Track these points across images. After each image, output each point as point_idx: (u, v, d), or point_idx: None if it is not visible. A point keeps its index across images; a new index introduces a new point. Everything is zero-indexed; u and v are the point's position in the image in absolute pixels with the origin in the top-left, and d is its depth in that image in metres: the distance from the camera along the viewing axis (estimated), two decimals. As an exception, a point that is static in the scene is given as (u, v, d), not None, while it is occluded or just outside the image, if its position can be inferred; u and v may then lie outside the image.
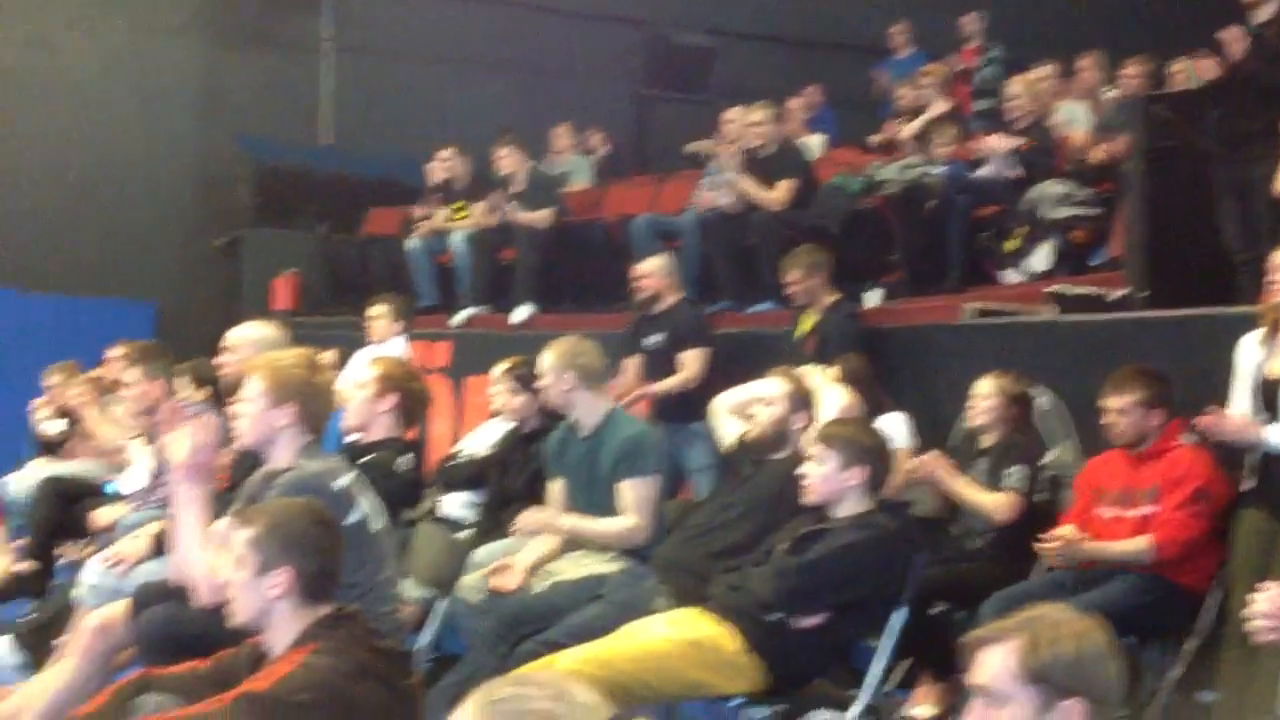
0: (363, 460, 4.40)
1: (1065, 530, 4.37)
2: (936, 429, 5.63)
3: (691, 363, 6.63)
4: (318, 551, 2.87)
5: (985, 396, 5.18)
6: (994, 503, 4.94)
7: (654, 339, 6.83)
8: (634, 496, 4.54)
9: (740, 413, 4.65)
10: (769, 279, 7.07)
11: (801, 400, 4.43)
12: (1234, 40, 6.94)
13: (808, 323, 6.47)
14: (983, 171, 7.24)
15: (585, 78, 12.43)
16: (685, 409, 6.28)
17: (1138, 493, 4.43)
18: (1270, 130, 5.33)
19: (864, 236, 7.39)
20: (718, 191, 7.97)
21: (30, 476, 7.10)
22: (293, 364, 3.91)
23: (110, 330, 8.53)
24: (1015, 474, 4.94)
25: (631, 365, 6.81)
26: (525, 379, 5.33)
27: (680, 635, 3.62)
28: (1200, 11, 7.97)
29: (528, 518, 4.61)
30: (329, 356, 5.82)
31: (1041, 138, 7.17)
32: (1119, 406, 4.46)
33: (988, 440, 5.19)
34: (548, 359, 4.73)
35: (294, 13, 12.45)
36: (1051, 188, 6.72)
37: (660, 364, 6.72)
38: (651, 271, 6.90)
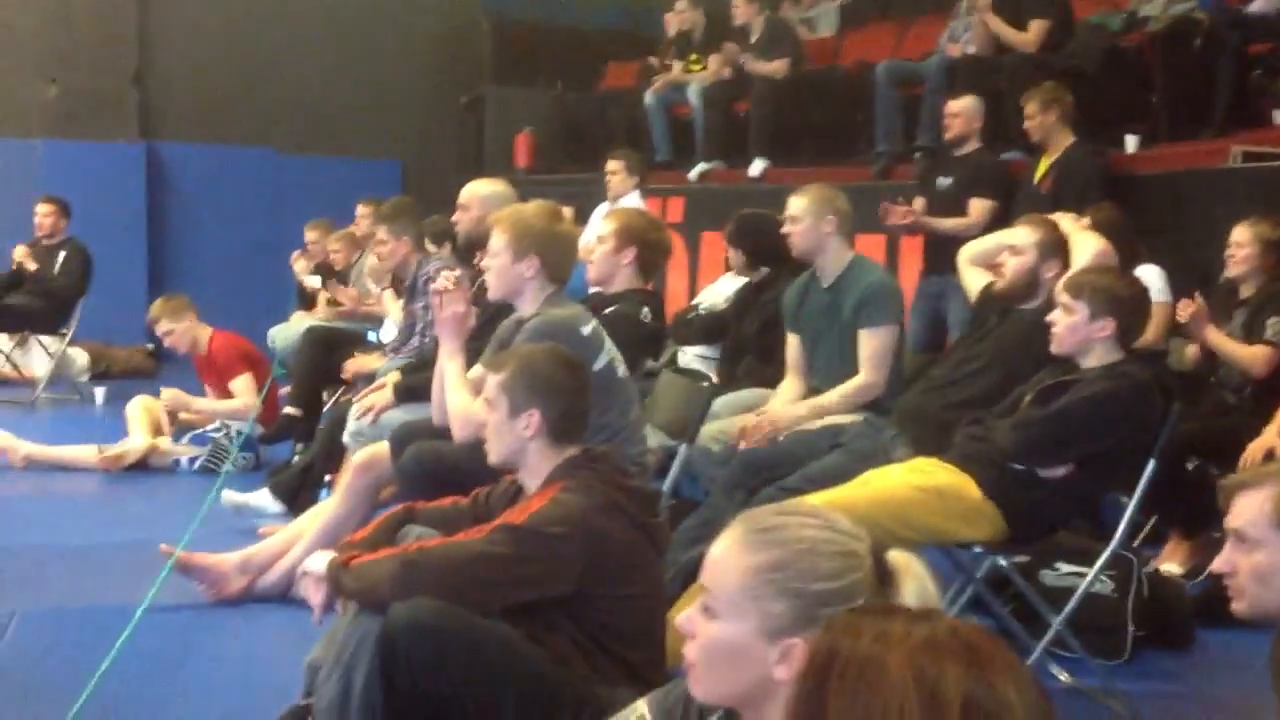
0: (606, 311, 4.49)
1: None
2: (1198, 281, 5.37)
3: (976, 210, 6.47)
4: (564, 394, 2.95)
5: (1242, 244, 4.94)
6: (1251, 355, 4.73)
7: (946, 181, 6.69)
8: (872, 346, 4.50)
9: (987, 262, 4.52)
10: (1018, 125, 6.82)
11: (1052, 248, 4.27)
12: None
13: (1045, 163, 6.28)
14: (1255, 6, 6.75)
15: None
16: (953, 259, 6.15)
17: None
18: None
19: (1123, 78, 7.00)
20: (963, 41, 7.70)
21: (294, 327, 7.52)
22: (533, 216, 3.99)
23: (361, 189, 8.90)
24: (1275, 325, 4.71)
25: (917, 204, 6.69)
26: (733, 233, 5.29)
27: (921, 482, 3.59)
28: None
29: (756, 428, 4.55)
30: (566, 212, 5.92)
31: (1322, -34, 6.63)
32: None
33: (1246, 290, 4.95)
34: (804, 203, 4.65)
35: None
36: (1331, 21, 6.24)
37: (947, 208, 6.59)
38: (962, 111, 6.72)
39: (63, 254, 8.60)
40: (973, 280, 4.60)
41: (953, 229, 6.42)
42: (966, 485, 3.59)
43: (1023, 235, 4.31)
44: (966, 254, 4.70)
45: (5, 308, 8.57)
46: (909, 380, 4.65)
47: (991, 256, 4.50)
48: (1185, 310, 4.85)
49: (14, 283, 8.70)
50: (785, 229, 4.74)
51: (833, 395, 4.54)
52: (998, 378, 4.15)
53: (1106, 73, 6.99)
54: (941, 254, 6.39)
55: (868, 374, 4.50)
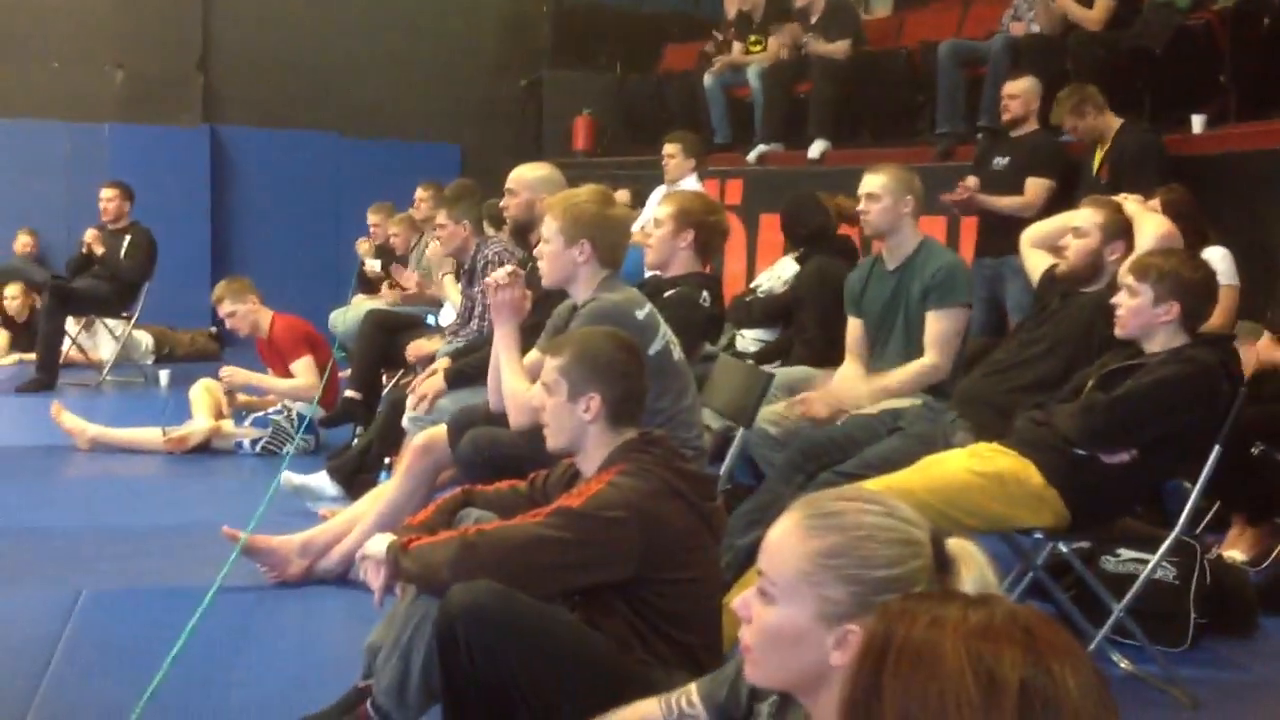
0: (665, 295, 4.48)
1: None
2: (1266, 265, 5.27)
3: (1033, 190, 6.42)
4: (622, 377, 2.94)
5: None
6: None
7: (1002, 161, 6.64)
8: (939, 329, 4.45)
9: (1050, 244, 4.46)
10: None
11: (1116, 230, 4.20)
12: None
13: (1099, 153, 6.23)
14: (1328, -18, 6.61)
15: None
16: (1009, 241, 6.07)
17: None
18: None
19: (1190, 57, 6.86)
20: (1027, 20, 7.60)
21: (355, 310, 7.57)
22: (585, 201, 3.97)
23: (421, 172, 8.95)
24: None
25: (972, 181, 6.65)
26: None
27: (981, 467, 3.55)
28: None
29: (819, 404, 4.56)
30: (623, 195, 5.92)
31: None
32: None
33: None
34: (883, 181, 4.56)
35: None
36: (1407, -3, 6.08)
37: (1002, 188, 6.54)
38: (1020, 93, 6.69)
39: (128, 238, 8.71)
40: (1035, 262, 4.54)
41: (1009, 207, 6.37)
42: (1027, 471, 3.55)
43: (1086, 217, 4.24)
44: (1029, 236, 4.63)
45: (72, 292, 8.70)
46: (968, 364, 4.60)
47: (1055, 238, 4.43)
48: (1249, 356, 4.74)
49: (83, 266, 8.84)
50: (861, 207, 4.64)
51: (896, 375, 4.50)
52: (1060, 361, 4.10)
53: (1173, 52, 6.85)
54: (997, 236, 6.34)
55: (933, 356, 4.45)
